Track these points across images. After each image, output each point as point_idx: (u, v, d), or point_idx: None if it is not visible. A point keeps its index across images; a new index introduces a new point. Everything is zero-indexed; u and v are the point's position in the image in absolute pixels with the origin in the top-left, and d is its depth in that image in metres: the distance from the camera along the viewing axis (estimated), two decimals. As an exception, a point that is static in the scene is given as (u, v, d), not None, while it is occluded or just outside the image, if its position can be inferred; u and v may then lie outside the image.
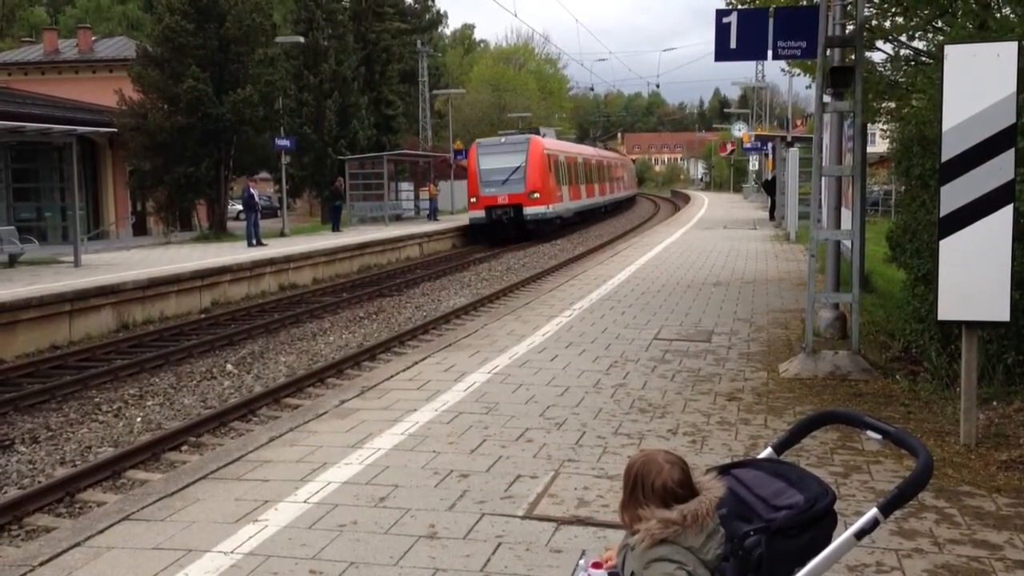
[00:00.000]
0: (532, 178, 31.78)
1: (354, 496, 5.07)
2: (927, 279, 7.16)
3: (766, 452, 2.90)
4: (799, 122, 53.39)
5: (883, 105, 12.38)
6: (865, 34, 9.16)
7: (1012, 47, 5.37)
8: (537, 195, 31.80)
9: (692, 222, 33.27)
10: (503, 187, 31.63)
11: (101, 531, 4.68)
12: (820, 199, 9.82)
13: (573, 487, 5.15)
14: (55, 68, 39.40)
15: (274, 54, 30.41)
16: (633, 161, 79.85)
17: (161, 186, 28.62)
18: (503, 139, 34.33)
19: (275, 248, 23.12)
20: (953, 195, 5.50)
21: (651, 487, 2.47)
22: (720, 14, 9.10)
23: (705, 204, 49.68)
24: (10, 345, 13.05)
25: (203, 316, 16.58)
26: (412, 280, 21.31)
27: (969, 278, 5.53)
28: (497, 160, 32.29)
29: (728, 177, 78.23)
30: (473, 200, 32.23)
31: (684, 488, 2.47)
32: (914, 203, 7.88)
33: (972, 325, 5.73)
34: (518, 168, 31.95)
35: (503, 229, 31.84)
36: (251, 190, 25.47)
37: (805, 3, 11.43)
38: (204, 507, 4.98)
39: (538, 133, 36.34)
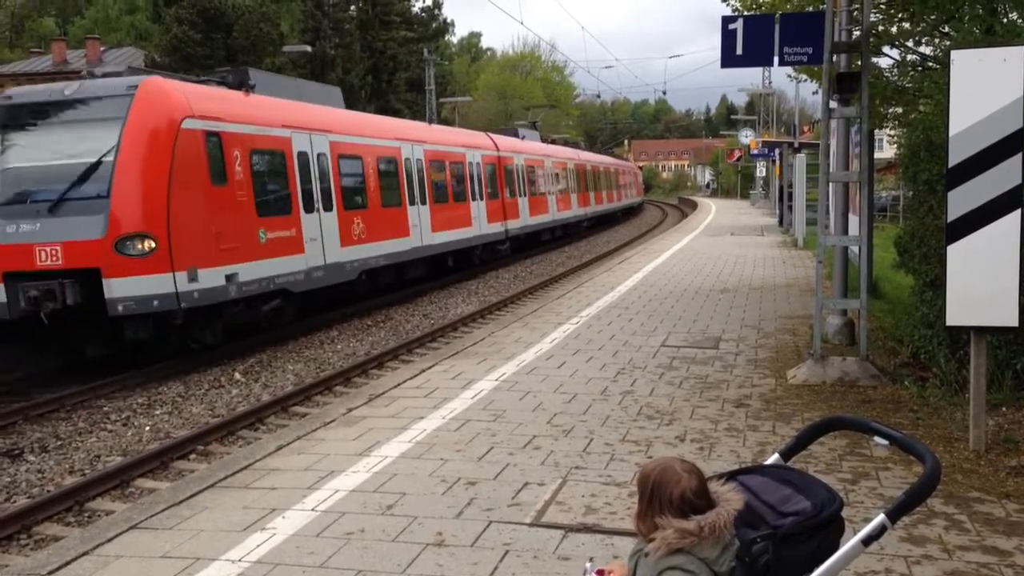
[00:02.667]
0: (129, 191, 11.13)
1: (361, 504, 5.07)
2: (935, 284, 7.14)
3: (773, 458, 2.89)
4: (806, 128, 53.34)
5: (890, 110, 12.38)
6: (871, 39, 9.16)
7: (1019, 52, 5.36)
8: (151, 244, 11.07)
9: (699, 228, 33.24)
10: (48, 222, 11.06)
11: (109, 540, 4.70)
12: (828, 205, 9.81)
13: (581, 494, 5.14)
14: (64, 78, 39.56)
15: (281, 63, 30.61)
16: (640, 168, 79.84)
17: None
18: (66, 90, 11.98)
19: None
20: (961, 200, 5.49)
21: (668, 497, 2.45)
22: (726, 21, 9.14)
23: (712, 210, 49.65)
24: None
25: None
26: (420, 289, 21.31)
27: (977, 283, 5.51)
28: (44, 141, 11.85)
29: (735, 183, 78.22)
30: None
31: (701, 498, 2.46)
32: (922, 208, 7.87)
33: (981, 330, 5.71)
34: (97, 166, 11.26)
35: (45, 331, 11.23)
36: (259, 199, 25.49)
37: (811, 9, 11.44)
38: (212, 515, 5.00)
39: (242, 86, 13.91)
